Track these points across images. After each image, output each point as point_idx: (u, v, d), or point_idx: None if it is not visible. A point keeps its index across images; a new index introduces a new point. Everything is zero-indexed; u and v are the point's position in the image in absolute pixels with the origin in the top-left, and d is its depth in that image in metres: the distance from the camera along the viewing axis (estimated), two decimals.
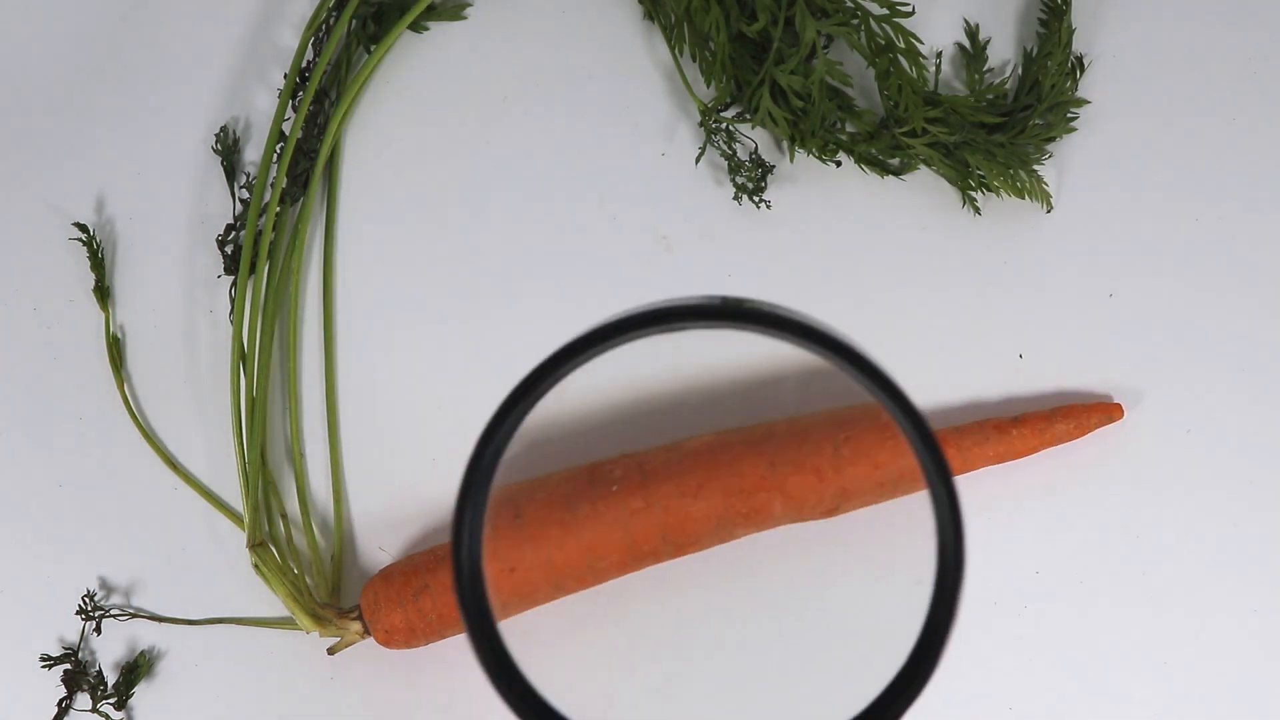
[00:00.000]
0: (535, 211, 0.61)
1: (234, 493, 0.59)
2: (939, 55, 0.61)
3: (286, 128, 0.61)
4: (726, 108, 0.60)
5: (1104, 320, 0.59)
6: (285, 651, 0.58)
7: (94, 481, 0.60)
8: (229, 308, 0.60)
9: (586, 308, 0.60)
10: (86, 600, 0.58)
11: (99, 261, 0.61)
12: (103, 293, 0.61)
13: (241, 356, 0.59)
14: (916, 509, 0.35)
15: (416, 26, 0.62)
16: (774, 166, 0.60)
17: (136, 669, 0.58)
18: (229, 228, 0.61)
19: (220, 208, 0.62)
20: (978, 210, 0.59)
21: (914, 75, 0.57)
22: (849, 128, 0.59)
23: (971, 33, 0.61)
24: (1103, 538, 0.57)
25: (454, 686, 0.58)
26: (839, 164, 0.60)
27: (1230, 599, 0.57)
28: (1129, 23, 0.62)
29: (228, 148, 0.61)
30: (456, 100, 0.62)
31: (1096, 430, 0.57)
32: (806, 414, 0.42)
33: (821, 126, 0.58)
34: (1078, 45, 0.61)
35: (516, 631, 0.37)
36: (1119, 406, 0.57)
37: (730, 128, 0.59)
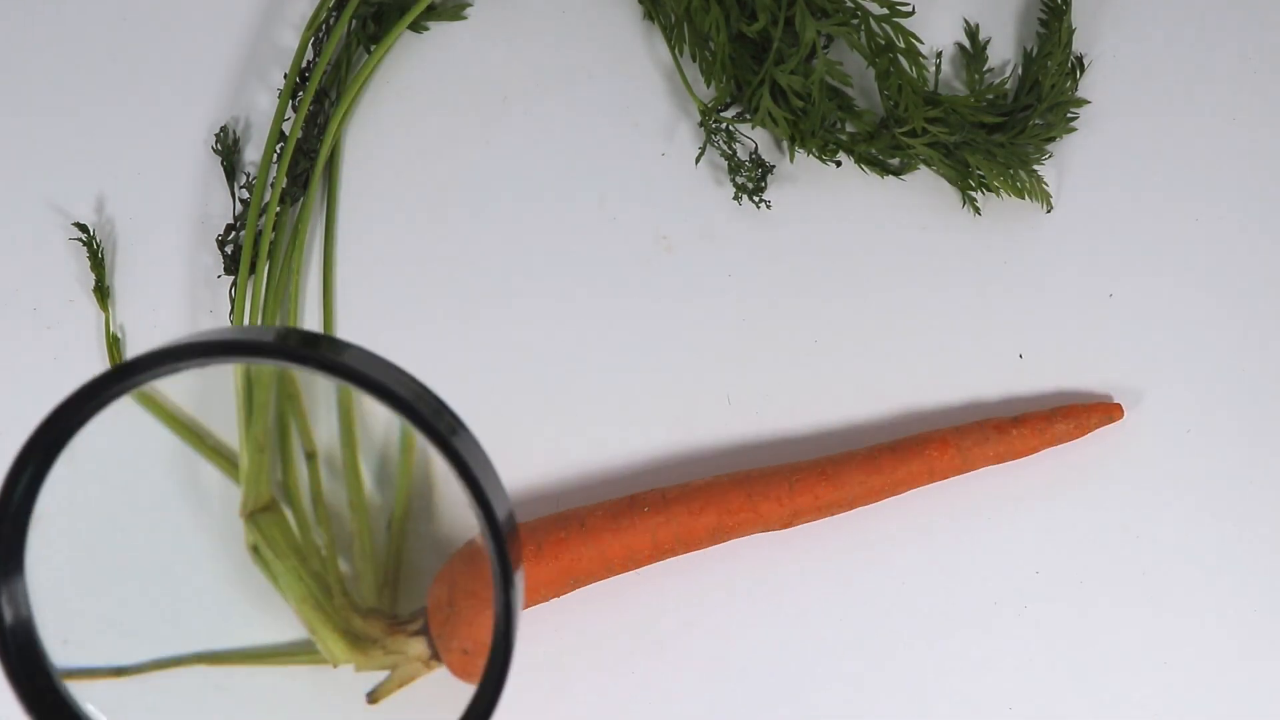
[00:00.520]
0: (535, 211, 0.61)
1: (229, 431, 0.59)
2: (939, 55, 0.61)
3: (287, 128, 0.61)
4: (726, 108, 0.60)
5: (1104, 320, 0.59)
6: (295, 697, 0.39)
7: None
8: (229, 308, 0.60)
9: (586, 307, 0.60)
10: None
11: (99, 261, 0.61)
12: (103, 293, 0.61)
13: None
14: None
15: (416, 26, 0.62)
16: (774, 166, 0.60)
17: None
18: (229, 228, 0.61)
19: (220, 208, 0.62)
20: (978, 210, 0.59)
21: (914, 75, 0.57)
22: (849, 128, 0.59)
23: (971, 33, 0.61)
24: (1103, 538, 0.57)
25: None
26: (839, 164, 0.60)
27: (1230, 599, 0.57)
28: (1129, 23, 0.62)
29: (228, 148, 0.61)
30: (456, 100, 0.62)
31: (1096, 430, 0.57)
32: (770, 466, 0.57)
33: (821, 126, 0.58)
34: (1078, 45, 0.61)
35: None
36: (1119, 406, 0.57)
37: (730, 128, 0.59)
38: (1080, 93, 0.60)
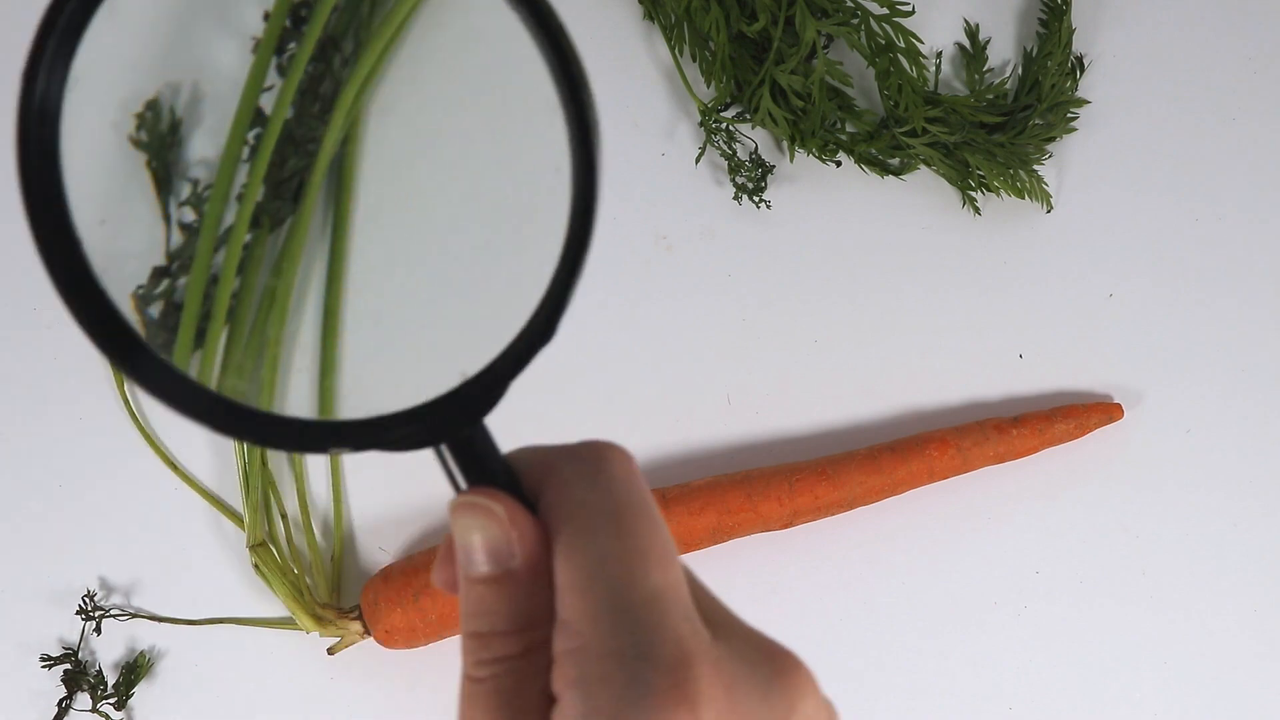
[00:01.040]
0: None
1: (234, 493, 0.59)
2: (939, 55, 0.61)
3: (266, 102, 0.40)
4: (726, 108, 0.60)
5: (1104, 320, 0.59)
6: (285, 652, 0.58)
7: (94, 481, 0.60)
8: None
9: (587, 307, 0.60)
10: (86, 600, 0.58)
11: None
12: None
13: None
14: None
15: None
16: (774, 166, 0.60)
17: (136, 669, 0.58)
18: (156, 273, 0.37)
19: (141, 238, 0.41)
20: (978, 210, 0.59)
21: (914, 75, 0.57)
22: (849, 128, 0.59)
23: (971, 32, 0.61)
24: (1103, 538, 0.57)
25: (454, 686, 0.58)
26: (839, 164, 0.60)
27: (1230, 599, 0.57)
28: (1129, 23, 0.62)
29: (158, 137, 0.38)
30: None
31: (1096, 430, 0.57)
32: (770, 466, 0.57)
33: (821, 126, 0.58)
34: (1078, 45, 0.61)
35: None
36: (1119, 406, 0.57)
37: (730, 128, 0.59)
38: (1080, 93, 0.60)
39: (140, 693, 0.58)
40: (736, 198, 0.60)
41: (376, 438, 0.28)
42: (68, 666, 0.58)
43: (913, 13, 0.57)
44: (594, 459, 0.28)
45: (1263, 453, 0.58)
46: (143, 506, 0.60)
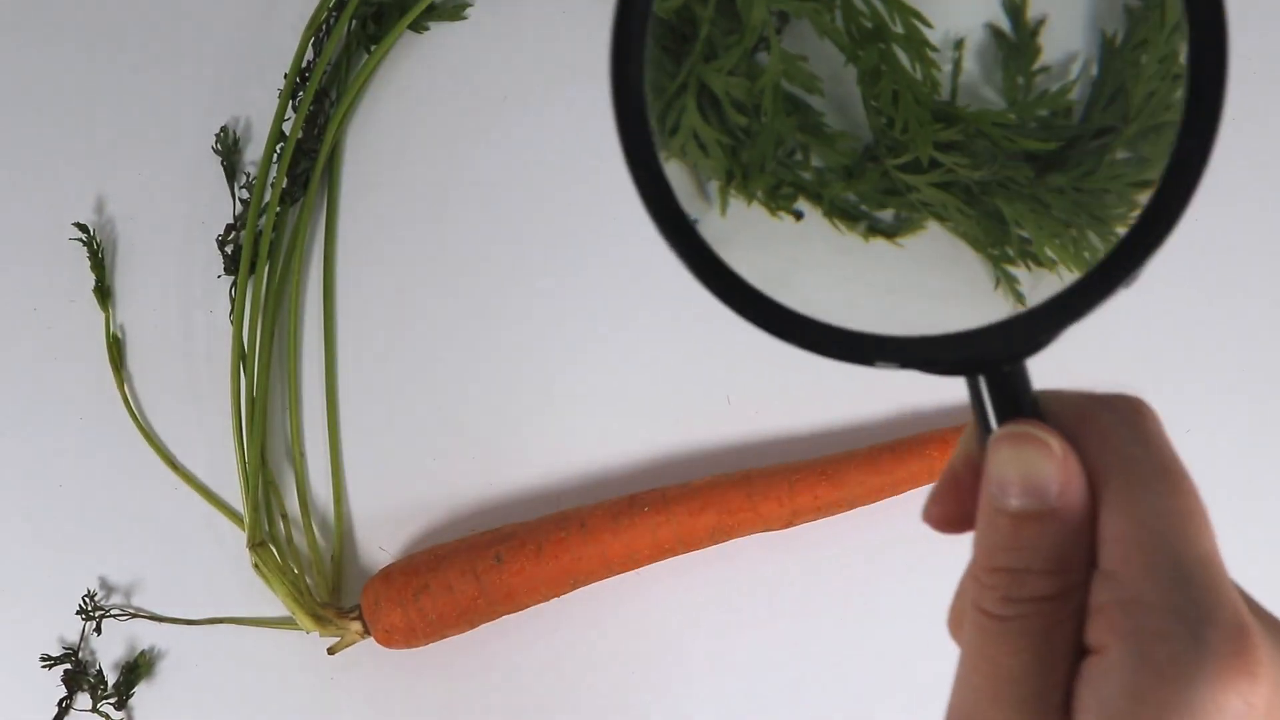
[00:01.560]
0: (534, 211, 0.61)
1: (234, 493, 0.59)
2: (959, 45, 0.42)
3: (287, 128, 0.61)
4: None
5: (1104, 320, 0.59)
6: (285, 651, 0.58)
7: (94, 481, 0.60)
8: (229, 308, 0.60)
9: (586, 307, 0.60)
10: (87, 600, 0.58)
11: (99, 261, 0.61)
12: (103, 293, 0.61)
13: (241, 356, 0.59)
14: None
15: (417, 26, 0.62)
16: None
17: (136, 669, 0.58)
18: (229, 228, 0.61)
19: (220, 208, 0.62)
20: (1020, 298, 0.40)
21: (918, 76, 0.40)
22: (815, 160, 0.39)
23: (1015, 6, 0.39)
24: None
25: (454, 687, 0.58)
26: (799, 216, 0.41)
27: None
28: None
29: (228, 148, 0.61)
30: (456, 100, 0.62)
31: None
32: (770, 466, 0.57)
33: (774, 157, 0.39)
34: None
35: None
36: None
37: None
38: None
39: (140, 692, 0.58)
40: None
41: (926, 355, 0.28)
42: (68, 666, 0.58)
43: None
44: (1132, 413, 0.28)
45: (1263, 453, 0.58)
46: (143, 506, 0.60)
